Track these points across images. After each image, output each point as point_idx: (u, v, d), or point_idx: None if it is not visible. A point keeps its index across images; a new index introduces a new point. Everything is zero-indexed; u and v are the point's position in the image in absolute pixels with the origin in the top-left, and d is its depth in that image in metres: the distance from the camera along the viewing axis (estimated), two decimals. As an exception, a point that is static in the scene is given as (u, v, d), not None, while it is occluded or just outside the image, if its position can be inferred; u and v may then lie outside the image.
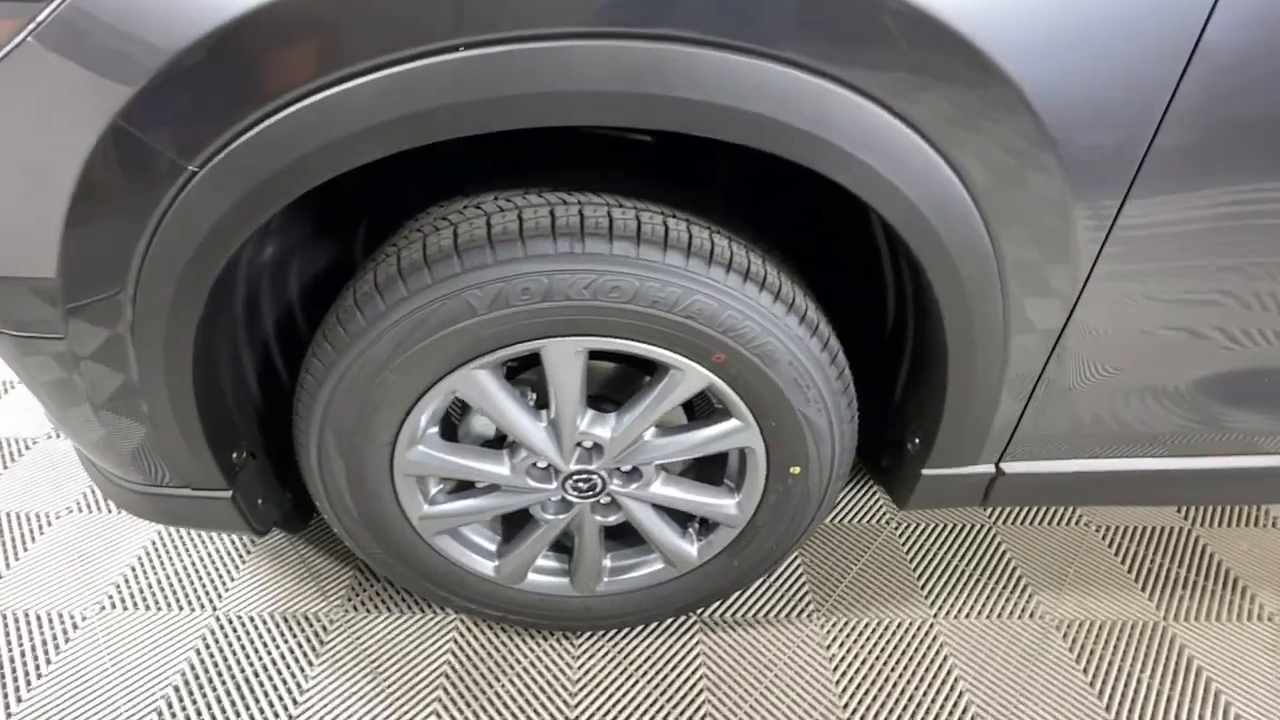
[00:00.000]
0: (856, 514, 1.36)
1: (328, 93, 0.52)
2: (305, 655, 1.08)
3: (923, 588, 1.22)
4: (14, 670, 1.05)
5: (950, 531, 1.33)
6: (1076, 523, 1.36)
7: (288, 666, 1.06)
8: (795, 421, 0.81)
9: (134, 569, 1.21)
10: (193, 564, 1.23)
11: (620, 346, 0.75)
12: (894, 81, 0.56)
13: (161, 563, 1.23)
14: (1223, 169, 0.62)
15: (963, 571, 1.25)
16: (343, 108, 0.53)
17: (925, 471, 0.89)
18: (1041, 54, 0.56)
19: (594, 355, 0.80)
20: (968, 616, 1.17)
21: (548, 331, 0.72)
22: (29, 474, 1.41)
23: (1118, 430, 0.86)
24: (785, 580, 1.22)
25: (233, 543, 1.27)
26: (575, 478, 0.89)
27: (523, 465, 0.88)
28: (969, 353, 0.74)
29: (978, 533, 1.33)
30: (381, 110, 0.53)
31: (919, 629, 1.15)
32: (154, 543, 1.26)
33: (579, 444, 0.86)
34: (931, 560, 1.27)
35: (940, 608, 1.18)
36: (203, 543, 1.26)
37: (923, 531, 1.33)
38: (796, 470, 0.87)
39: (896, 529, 1.33)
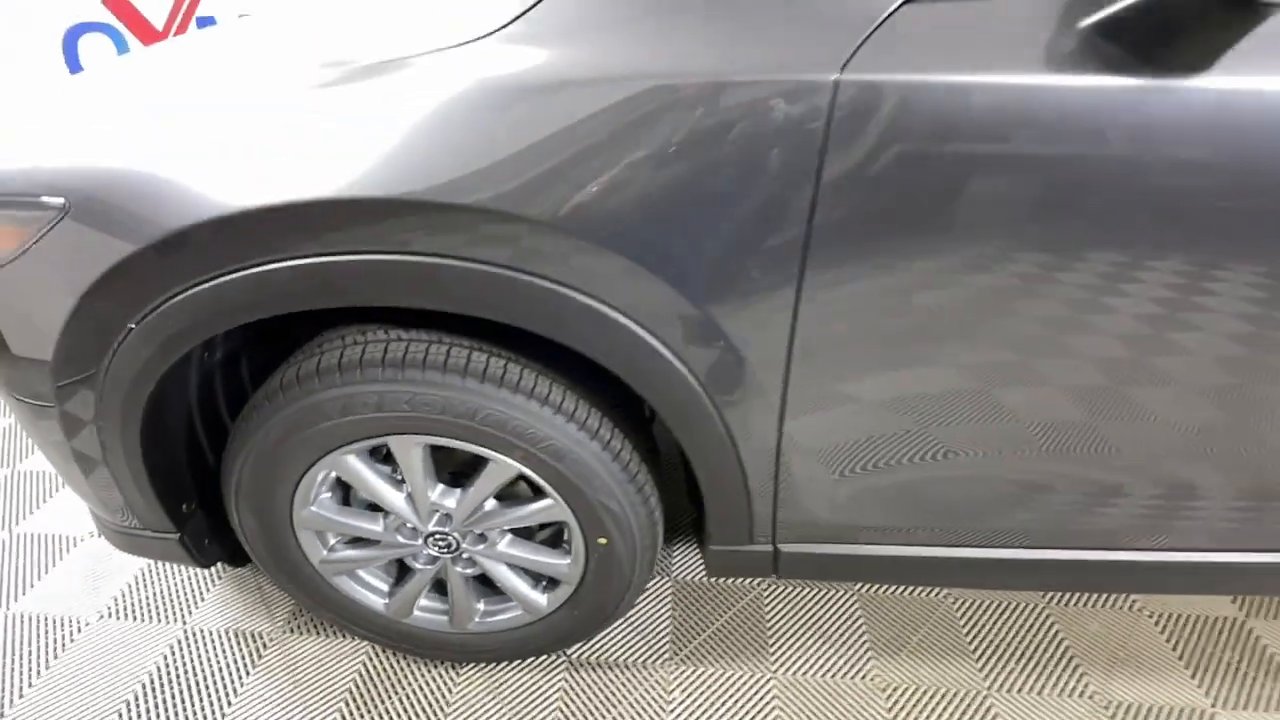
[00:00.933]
0: (732, 574, 1.53)
1: (201, 286, 0.81)
2: (244, 667, 1.34)
3: (771, 645, 1.37)
4: (24, 666, 1.35)
5: (814, 595, 1.48)
6: (936, 594, 1.49)
7: (227, 676, 1.32)
8: (590, 504, 1.01)
9: (130, 585, 1.51)
10: (180, 582, 1.52)
11: (447, 442, 0.99)
12: (583, 275, 0.79)
13: (156, 578, 1.52)
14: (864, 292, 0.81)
15: (812, 633, 1.40)
16: (212, 294, 0.81)
17: (712, 547, 1.07)
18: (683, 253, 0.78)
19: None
20: (805, 674, 1.32)
21: (388, 431, 0.97)
22: (65, 504, 1.75)
23: (874, 521, 1.03)
24: (651, 628, 1.40)
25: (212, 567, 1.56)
26: (435, 537, 1.12)
27: (393, 525, 1.12)
28: (701, 459, 0.94)
29: (838, 598, 1.47)
30: (237, 296, 0.81)
31: (756, 684, 1.31)
32: (152, 562, 1.56)
33: (435, 511, 1.09)
34: (787, 620, 1.42)
35: (782, 665, 1.34)
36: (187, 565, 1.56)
37: (786, 593, 1.48)
38: (604, 541, 1.07)
39: (765, 589, 1.49)
